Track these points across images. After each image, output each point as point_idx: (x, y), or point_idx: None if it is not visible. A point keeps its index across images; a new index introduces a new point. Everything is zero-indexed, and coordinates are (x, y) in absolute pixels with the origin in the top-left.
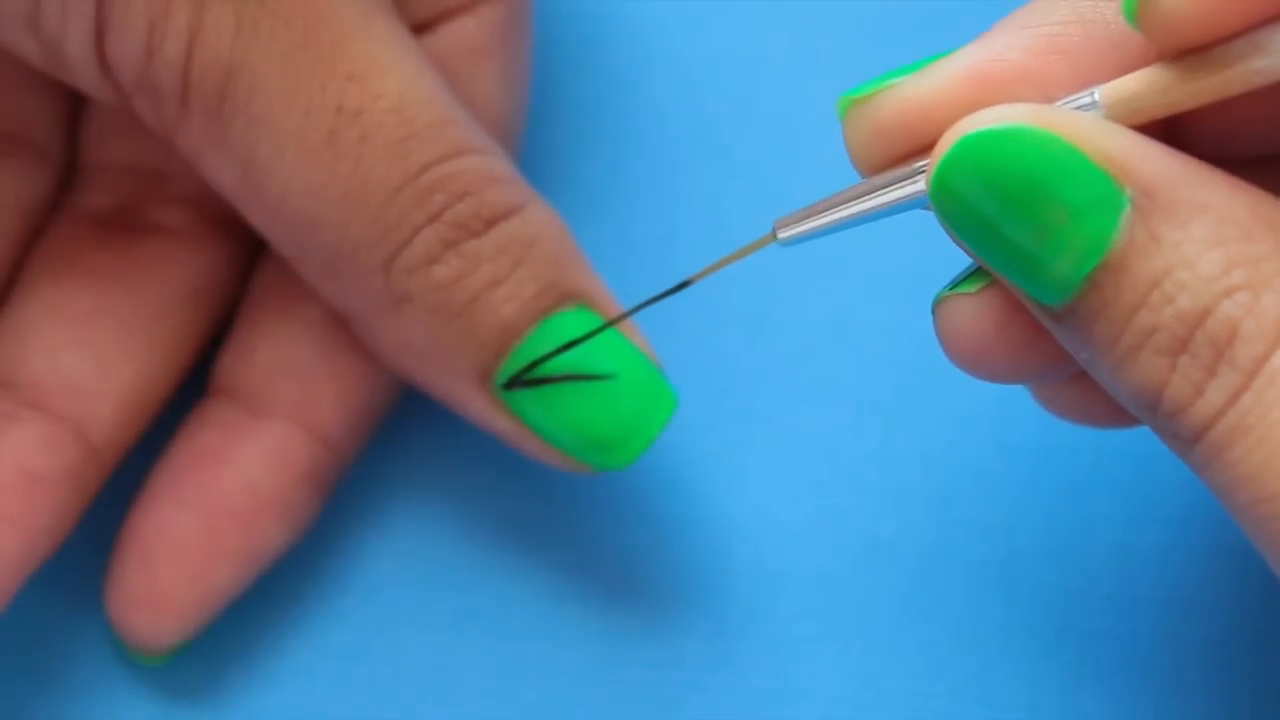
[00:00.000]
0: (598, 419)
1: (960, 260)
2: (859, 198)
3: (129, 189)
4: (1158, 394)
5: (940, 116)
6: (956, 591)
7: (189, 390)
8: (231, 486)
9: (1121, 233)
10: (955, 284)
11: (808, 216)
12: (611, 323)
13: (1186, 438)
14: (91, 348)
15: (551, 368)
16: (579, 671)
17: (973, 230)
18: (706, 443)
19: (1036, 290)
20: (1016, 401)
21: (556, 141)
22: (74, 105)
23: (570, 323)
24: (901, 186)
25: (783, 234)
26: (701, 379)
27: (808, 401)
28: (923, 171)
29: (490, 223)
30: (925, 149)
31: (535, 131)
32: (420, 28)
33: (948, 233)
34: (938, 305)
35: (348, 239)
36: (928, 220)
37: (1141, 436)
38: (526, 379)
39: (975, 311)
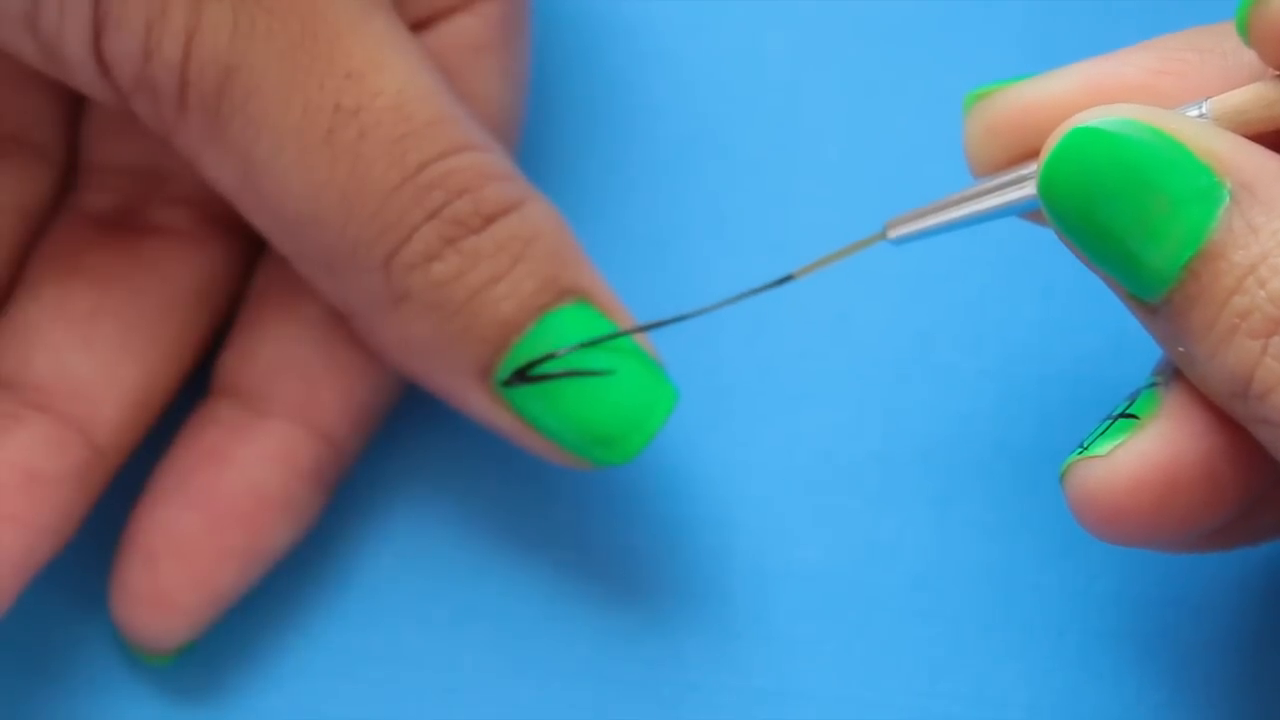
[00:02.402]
0: (598, 414)
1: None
2: (969, 200)
3: (130, 189)
4: (1249, 377)
5: (1052, 117)
6: (956, 591)
7: (191, 390)
8: (235, 486)
9: (1220, 223)
10: (1083, 447)
11: (919, 216)
12: (665, 321)
13: (1276, 420)
14: (94, 348)
15: (552, 365)
16: (579, 671)
17: (1077, 222)
18: (706, 442)
19: (1136, 283)
20: (1016, 401)
21: (555, 140)
22: (75, 106)
23: (570, 318)
24: (1009, 190)
25: (893, 233)
26: (701, 379)
27: (808, 401)
28: (1031, 176)
29: (489, 219)
30: (1035, 152)
31: (534, 130)
32: (419, 25)
33: (1055, 228)
34: (1067, 470)
35: (347, 237)
36: None
37: None
38: (528, 376)
39: (1107, 474)
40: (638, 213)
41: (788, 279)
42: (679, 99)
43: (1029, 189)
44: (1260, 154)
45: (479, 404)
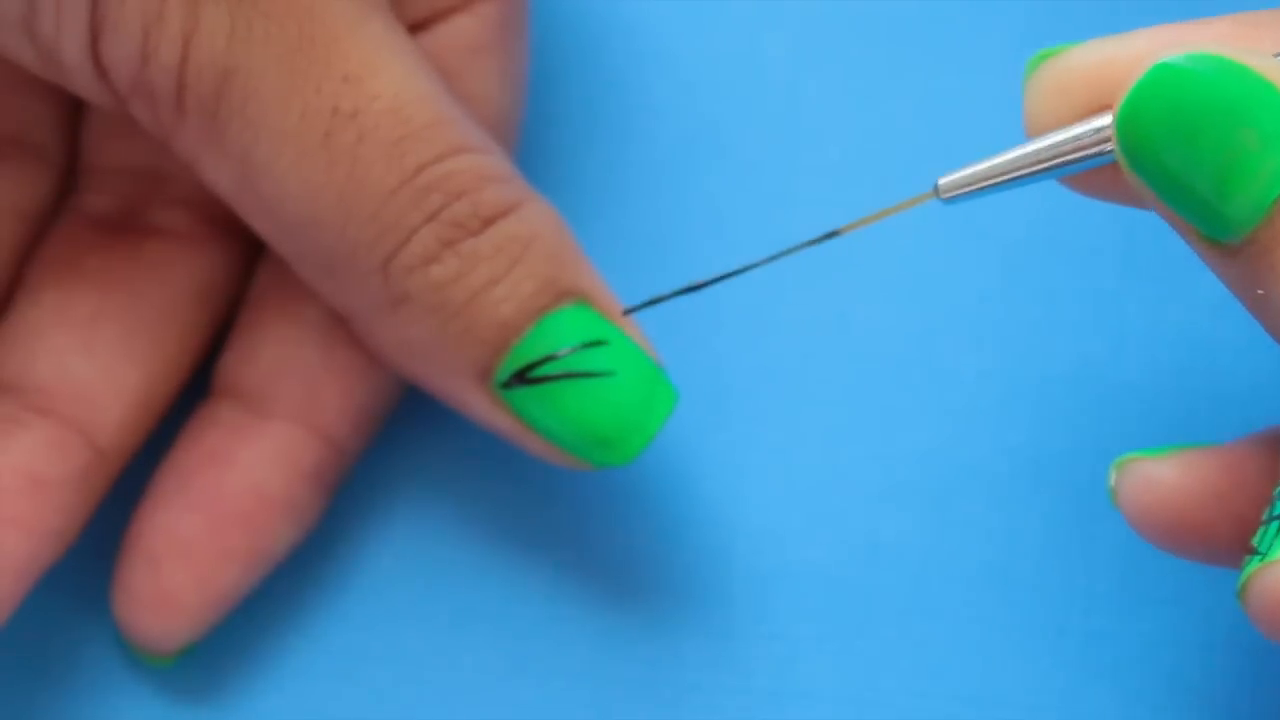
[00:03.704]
0: (598, 416)
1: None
2: (1030, 155)
3: (130, 191)
4: None
5: (1130, 75)
6: (956, 591)
7: (191, 392)
8: (237, 487)
9: None
10: (1261, 554)
11: (973, 172)
12: (674, 294)
13: None
14: (96, 352)
15: (551, 366)
16: (579, 671)
17: (1157, 162)
18: (706, 443)
19: (1218, 223)
20: (1016, 401)
21: (555, 141)
22: (75, 108)
23: (569, 320)
24: (1073, 142)
25: (946, 193)
26: (701, 379)
27: (808, 401)
28: (1100, 131)
29: (488, 221)
30: (1099, 109)
31: (533, 131)
32: (418, 26)
33: (1129, 173)
34: (1249, 582)
35: (345, 240)
36: (930, 221)
37: (1144, 437)
38: (528, 378)
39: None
40: (638, 213)
41: (834, 234)
42: (679, 99)
43: (1096, 141)
44: None
45: (478, 406)
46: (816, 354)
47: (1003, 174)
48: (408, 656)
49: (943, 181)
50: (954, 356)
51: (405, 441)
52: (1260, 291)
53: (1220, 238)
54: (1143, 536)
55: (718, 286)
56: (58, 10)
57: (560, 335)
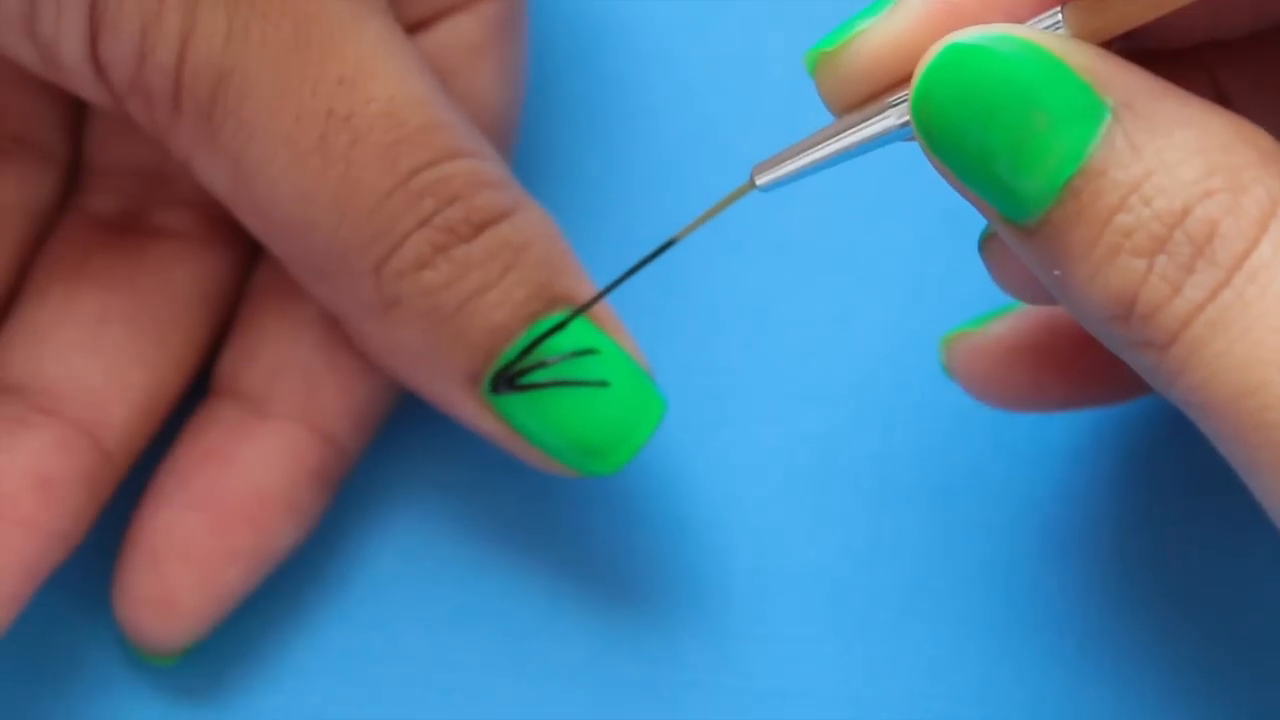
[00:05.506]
0: (586, 425)
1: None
2: (836, 135)
3: (133, 191)
4: (1133, 296)
5: (914, 51)
6: (956, 591)
7: (191, 391)
8: (238, 487)
9: (1101, 140)
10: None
11: (785, 159)
12: (587, 305)
13: (1161, 340)
14: (102, 352)
15: (542, 374)
16: (579, 671)
17: (952, 142)
18: (707, 442)
19: (1013, 203)
20: None
21: (554, 141)
22: (78, 108)
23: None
24: (879, 119)
25: (761, 179)
26: (701, 379)
27: (808, 401)
28: (897, 104)
29: (480, 227)
30: (898, 85)
31: (533, 131)
32: (417, 25)
33: (927, 153)
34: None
35: (337, 243)
36: (930, 220)
37: (1143, 437)
38: (518, 385)
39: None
40: (637, 213)
41: (670, 244)
42: (679, 99)
43: (897, 116)
44: (1137, 72)
45: (468, 411)
46: (816, 354)
47: (814, 157)
48: (408, 656)
49: (757, 170)
50: None
51: (405, 441)
52: (1057, 272)
53: (1017, 219)
54: (978, 398)
55: (718, 287)
56: (58, 9)
57: (551, 342)
